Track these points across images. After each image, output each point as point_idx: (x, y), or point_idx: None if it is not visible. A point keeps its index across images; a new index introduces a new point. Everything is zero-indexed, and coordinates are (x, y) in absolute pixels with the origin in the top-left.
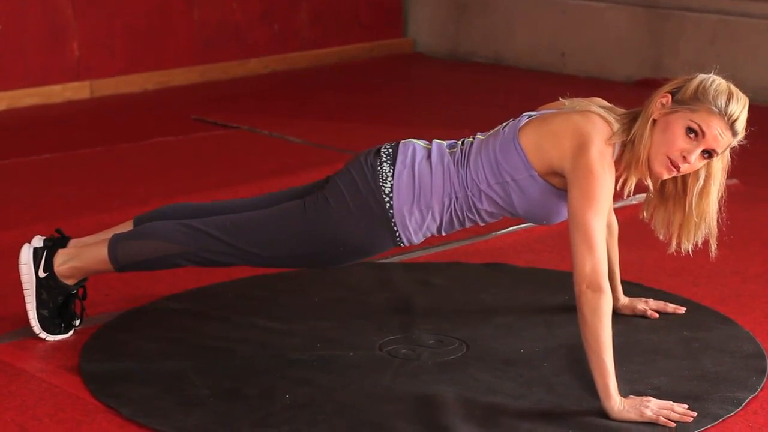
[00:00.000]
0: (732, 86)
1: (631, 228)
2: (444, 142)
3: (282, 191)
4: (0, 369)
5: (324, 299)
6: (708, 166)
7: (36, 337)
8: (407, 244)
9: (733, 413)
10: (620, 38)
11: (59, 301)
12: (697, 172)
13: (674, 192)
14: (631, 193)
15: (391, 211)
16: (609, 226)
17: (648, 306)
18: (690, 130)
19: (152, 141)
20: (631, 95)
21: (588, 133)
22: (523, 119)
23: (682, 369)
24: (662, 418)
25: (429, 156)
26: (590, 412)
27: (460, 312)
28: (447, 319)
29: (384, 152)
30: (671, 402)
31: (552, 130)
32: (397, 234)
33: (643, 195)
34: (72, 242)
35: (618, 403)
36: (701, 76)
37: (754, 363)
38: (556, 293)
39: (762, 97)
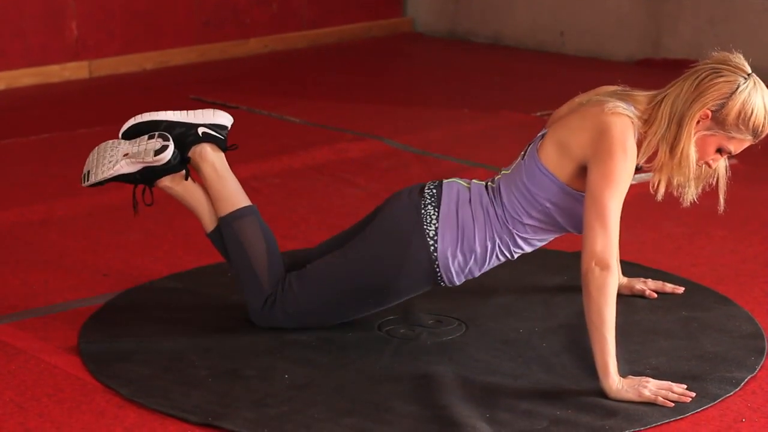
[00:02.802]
0: (765, 100)
1: (631, 208)
2: (482, 182)
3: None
4: (0, 349)
5: None
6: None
7: (36, 311)
8: (449, 285)
9: (731, 393)
10: (619, 18)
11: (182, 140)
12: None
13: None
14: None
15: (435, 254)
16: None
17: (647, 286)
18: (721, 151)
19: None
20: (630, 75)
21: (607, 121)
22: (538, 139)
23: (680, 349)
24: (660, 399)
25: (470, 199)
26: (589, 392)
27: (459, 292)
28: (446, 299)
29: (428, 193)
30: (669, 382)
31: (568, 131)
32: (439, 275)
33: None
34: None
35: (617, 383)
36: (739, 98)
37: (752, 343)
38: (555, 273)
39: (760, 77)
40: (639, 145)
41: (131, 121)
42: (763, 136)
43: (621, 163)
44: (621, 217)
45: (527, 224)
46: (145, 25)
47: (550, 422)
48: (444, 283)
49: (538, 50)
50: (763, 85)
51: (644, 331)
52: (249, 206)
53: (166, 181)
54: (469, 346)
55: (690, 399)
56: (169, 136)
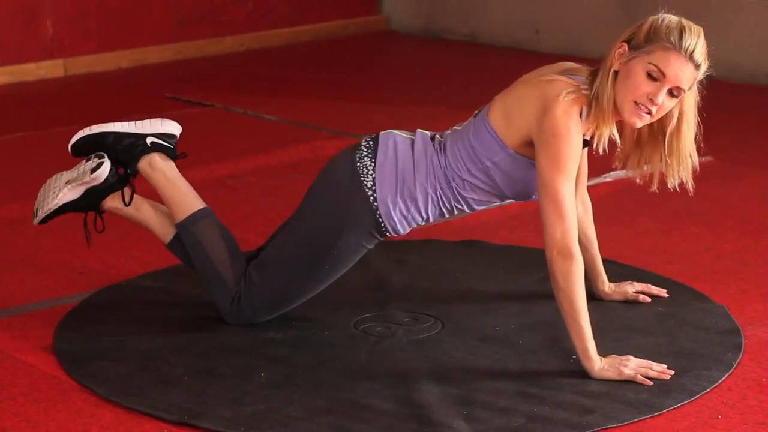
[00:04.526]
0: (684, 20)
1: (606, 205)
2: (427, 132)
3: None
4: None
5: None
6: (679, 106)
7: (13, 310)
8: (393, 235)
9: (708, 390)
10: (595, 15)
11: (120, 157)
12: (669, 114)
13: (649, 138)
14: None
15: (376, 203)
16: (583, 204)
17: (634, 288)
18: (649, 73)
19: (127, 119)
20: None
21: (551, 95)
22: (492, 102)
23: (658, 346)
24: (640, 377)
25: (412, 146)
26: (566, 389)
27: (435, 290)
28: (422, 296)
29: (364, 146)
30: (650, 361)
31: (515, 99)
32: (383, 225)
33: (619, 173)
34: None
35: (598, 363)
36: (651, 18)
37: (729, 339)
38: (532, 271)
39: (735, 75)
40: (587, 120)
41: (80, 134)
42: (690, 48)
43: (567, 141)
44: (596, 214)
45: (466, 180)
46: (120, 23)
47: (528, 419)
48: (389, 232)
49: (514, 48)
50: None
51: (621, 328)
52: (204, 208)
53: (111, 202)
54: (446, 343)
55: (669, 377)
56: (103, 154)
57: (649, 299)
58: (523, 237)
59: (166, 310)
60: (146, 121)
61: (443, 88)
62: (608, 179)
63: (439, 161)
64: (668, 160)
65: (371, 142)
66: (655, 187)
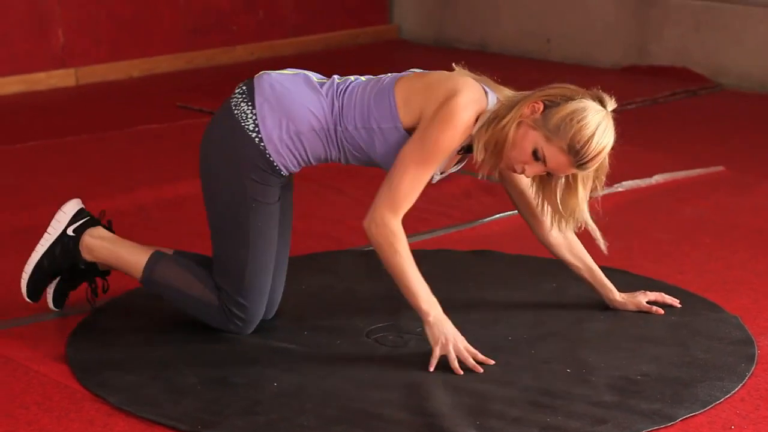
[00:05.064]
0: (601, 128)
1: (618, 216)
2: (313, 74)
3: None
4: None
5: (311, 286)
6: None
7: (24, 320)
8: (287, 173)
9: (721, 400)
10: (606, 25)
11: (64, 265)
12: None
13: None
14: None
15: (262, 144)
16: (568, 240)
17: (647, 297)
18: (537, 157)
19: (138, 128)
20: (616, 82)
21: (459, 89)
22: (406, 73)
23: (670, 355)
24: (455, 364)
25: (293, 80)
26: (578, 399)
27: (448, 299)
28: None
29: (238, 92)
30: (478, 353)
31: (425, 84)
32: (275, 164)
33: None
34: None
35: (431, 317)
36: (575, 106)
37: (742, 349)
38: (544, 280)
39: (746, 84)
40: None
41: (23, 282)
42: (583, 160)
43: (447, 135)
44: (608, 225)
45: (350, 132)
46: (131, 32)
47: (540, 429)
48: (282, 170)
49: (525, 57)
50: (611, 122)
51: (634, 338)
52: (151, 255)
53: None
54: None
55: (480, 371)
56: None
57: (662, 311)
58: (536, 247)
59: (178, 319)
60: (52, 221)
61: None
62: (620, 189)
63: (333, 102)
64: (556, 208)
65: (245, 87)
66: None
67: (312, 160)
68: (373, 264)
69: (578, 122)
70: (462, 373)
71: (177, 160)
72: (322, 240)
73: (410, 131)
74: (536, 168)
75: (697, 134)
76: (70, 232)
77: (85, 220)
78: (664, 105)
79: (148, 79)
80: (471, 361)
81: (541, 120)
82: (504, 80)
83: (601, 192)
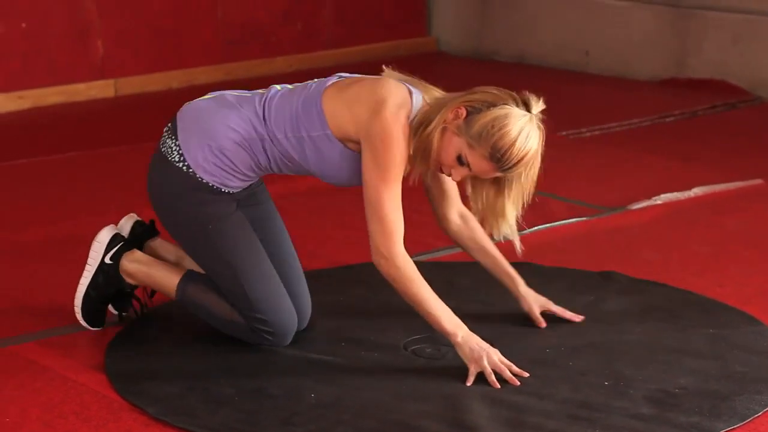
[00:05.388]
0: (523, 134)
1: (656, 228)
2: (231, 91)
3: None
4: (26, 367)
5: (349, 298)
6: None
7: (63, 329)
8: (231, 191)
9: (759, 414)
10: (644, 37)
11: (110, 292)
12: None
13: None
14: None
15: (191, 169)
16: (462, 217)
17: (552, 308)
18: (461, 163)
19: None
20: (655, 94)
21: (383, 98)
22: (332, 79)
23: (709, 368)
24: (492, 378)
25: (209, 102)
26: (617, 412)
27: (486, 311)
28: (472, 318)
29: (165, 131)
30: (513, 365)
31: (349, 97)
32: (212, 185)
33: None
34: (156, 243)
35: (459, 338)
36: (497, 113)
37: None
38: (583, 293)
39: None
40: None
41: (78, 316)
42: (506, 166)
43: (394, 150)
44: (647, 237)
45: (280, 141)
46: (170, 43)
47: None
48: (222, 188)
49: (563, 69)
50: (536, 126)
51: (671, 350)
52: (183, 276)
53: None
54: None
55: (518, 384)
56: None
57: (544, 324)
58: (574, 260)
59: (215, 331)
60: (90, 252)
61: None
62: (658, 202)
63: (256, 113)
64: (487, 211)
65: (169, 124)
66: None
67: (248, 171)
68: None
69: (499, 130)
70: (499, 386)
71: None
72: (359, 251)
73: (341, 140)
74: (462, 172)
75: (736, 147)
76: (108, 260)
77: (120, 245)
78: (702, 118)
79: (187, 91)
80: (507, 374)
81: (463, 126)
82: (542, 92)
83: (528, 198)
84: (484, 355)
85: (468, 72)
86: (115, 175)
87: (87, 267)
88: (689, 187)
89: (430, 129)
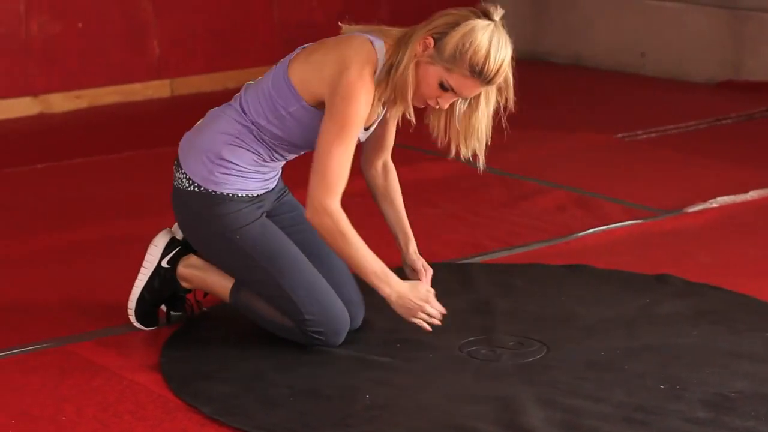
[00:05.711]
0: (494, 42)
1: (713, 231)
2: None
3: None
4: (81, 366)
5: None
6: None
7: (119, 329)
8: (251, 194)
9: None
10: (700, 39)
11: (165, 295)
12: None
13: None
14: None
15: (202, 188)
16: (385, 168)
17: (425, 275)
18: (443, 87)
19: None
20: (712, 97)
21: (347, 57)
22: (296, 51)
23: (765, 372)
24: (426, 326)
25: (200, 122)
26: (672, 416)
27: (541, 313)
28: (527, 320)
29: (174, 166)
30: (441, 308)
31: (315, 61)
32: (226, 195)
33: (726, 198)
34: None
35: (393, 298)
36: (463, 30)
37: None
38: (637, 295)
39: None
40: (378, 84)
41: (132, 318)
42: (488, 78)
43: (354, 109)
44: (703, 240)
45: (265, 126)
46: (226, 43)
47: None
48: (238, 193)
49: (619, 71)
50: (502, 32)
51: (727, 353)
52: (237, 280)
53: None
54: (551, 368)
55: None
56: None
57: (424, 276)
58: (628, 262)
59: (270, 331)
60: (146, 255)
61: (548, 111)
62: (714, 205)
63: (236, 110)
64: (459, 130)
65: (175, 161)
66: (452, 154)
67: (256, 167)
68: (466, 277)
69: (470, 45)
70: (431, 330)
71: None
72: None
73: (317, 107)
74: (449, 97)
75: None
76: (164, 264)
77: (177, 250)
78: (759, 121)
79: None
80: (435, 321)
81: (435, 54)
82: (598, 94)
83: (511, 103)
84: (418, 310)
85: (523, 74)
86: (172, 175)
87: (142, 270)
88: (745, 190)
89: (401, 68)
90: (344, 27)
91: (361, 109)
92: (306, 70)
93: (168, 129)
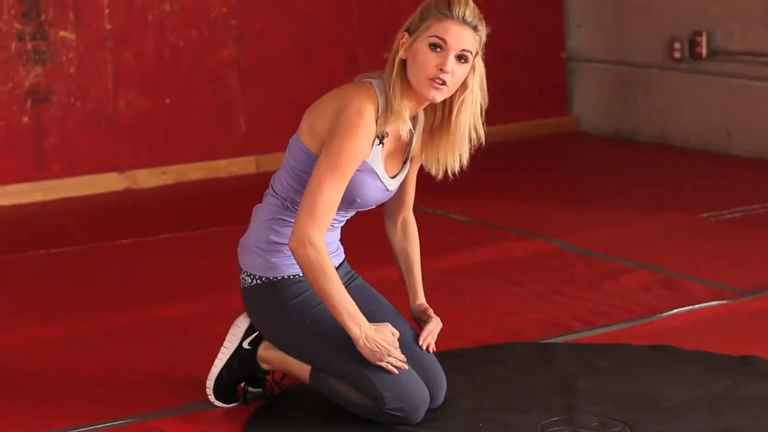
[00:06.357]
0: None
1: None
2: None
3: None
4: None
5: (486, 378)
6: (463, 85)
7: (202, 404)
8: (299, 275)
9: None
10: None
11: (245, 376)
12: (457, 92)
13: (440, 119)
14: None
15: (263, 278)
16: (404, 226)
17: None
18: (433, 45)
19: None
20: None
21: (346, 97)
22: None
23: None
24: (391, 367)
25: (252, 222)
26: None
27: (624, 394)
28: (610, 401)
29: (239, 271)
30: (403, 359)
31: (318, 108)
32: (286, 277)
33: None
34: None
35: (361, 342)
36: (424, 4)
37: None
38: (722, 376)
39: None
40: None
41: (210, 397)
42: (456, 12)
43: (351, 144)
44: None
45: (295, 198)
46: None
47: None
48: (294, 275)
49: (705, 150)
50: None
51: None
52: None
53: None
54: None
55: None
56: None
57: (433, 349)
58: (713, 342)
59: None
60: (228, 336)
61: (632, 190)
62: None
63: (270, 195)
64: (451, 138)
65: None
66: (440, 176)
67: None
68: (547, 357)
69: None
70: (396, 372)
71: (353, 247)
72: (498, 332)
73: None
74: (445, 57)
75: None
76: (246, 345)
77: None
78: None
79: None
80: (402, 366)
81: (410, 36)
82: (683, 173)
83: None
84: (385, 353)
85: (609, 152)
86: None
87: (223, 350)
88: None
89: (394, 70)
90: (357, 78)
91: (357, 146)
92: (311, 120)
93: (253, 205)
